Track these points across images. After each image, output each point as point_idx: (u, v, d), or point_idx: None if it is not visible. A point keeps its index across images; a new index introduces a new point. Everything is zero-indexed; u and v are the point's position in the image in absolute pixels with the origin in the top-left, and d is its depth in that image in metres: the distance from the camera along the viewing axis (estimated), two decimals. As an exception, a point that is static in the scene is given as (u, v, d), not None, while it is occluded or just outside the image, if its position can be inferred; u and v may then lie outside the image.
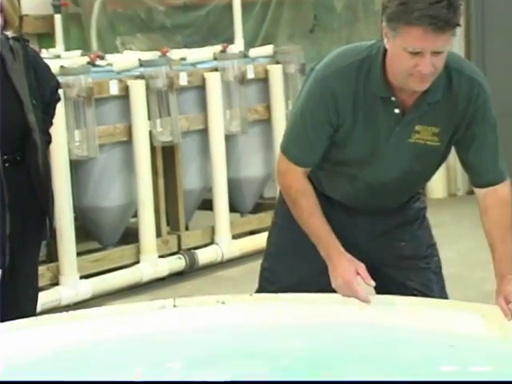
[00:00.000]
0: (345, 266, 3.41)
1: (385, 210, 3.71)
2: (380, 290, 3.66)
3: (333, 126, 3.41)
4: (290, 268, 3.76)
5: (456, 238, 7.98)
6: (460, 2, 3.14)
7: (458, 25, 3.15)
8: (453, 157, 9.78)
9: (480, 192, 3.56)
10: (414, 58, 3.15)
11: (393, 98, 3.34)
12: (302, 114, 3.49)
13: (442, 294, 3.89)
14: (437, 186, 9.39)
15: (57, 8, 9.68)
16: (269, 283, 3.84)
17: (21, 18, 8.96)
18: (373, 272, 3.68)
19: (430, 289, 3.80)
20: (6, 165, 4.17)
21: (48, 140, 4.52)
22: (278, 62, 7.86)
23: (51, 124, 4.56)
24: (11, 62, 4.21)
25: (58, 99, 4.68)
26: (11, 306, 4.23)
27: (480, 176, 3.52)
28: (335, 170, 3.62)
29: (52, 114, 4.57)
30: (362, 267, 3.43)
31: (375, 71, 3.33)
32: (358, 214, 3.68)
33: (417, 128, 3.41)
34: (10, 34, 4.36)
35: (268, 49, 8.01)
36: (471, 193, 9.95)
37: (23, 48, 4.30)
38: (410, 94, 3.34)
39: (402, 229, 3.77)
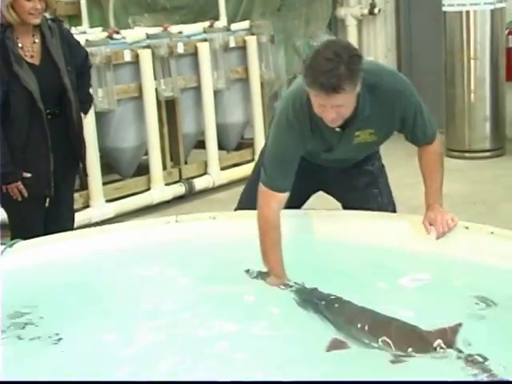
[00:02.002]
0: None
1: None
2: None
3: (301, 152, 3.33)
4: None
5: (390, 166, 7.95)
6: (355, 68, 2.98)
7: (355, 85, 3.01)
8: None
9: (418, 147, 3.53)
10: (321, 107, 3.06)
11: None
12: (277, 153, 3.30)
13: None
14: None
15: (82, -6, 9.58)
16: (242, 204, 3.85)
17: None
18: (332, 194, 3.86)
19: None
20: (49, 117, 4.15)
21: (90, 99, 4.57)
22: (253, 34, 7.80)
23: (90, 85, 4.56)
24: (50, 37, 4.18)
25: (90, 66, 4.64)
26: (56, 225, 4.23)
27: (416, 142, 3.50)
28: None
29: (89, 78, 4.56)
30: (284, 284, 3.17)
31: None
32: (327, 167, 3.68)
33: (356, 133, 3.34)
34: (48, 15, 4.32)
35: (245, 24, 7.94)
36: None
37: (58, 27, 4.28)
38: None
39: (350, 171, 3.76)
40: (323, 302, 2.99)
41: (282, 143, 3.29)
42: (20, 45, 4.08)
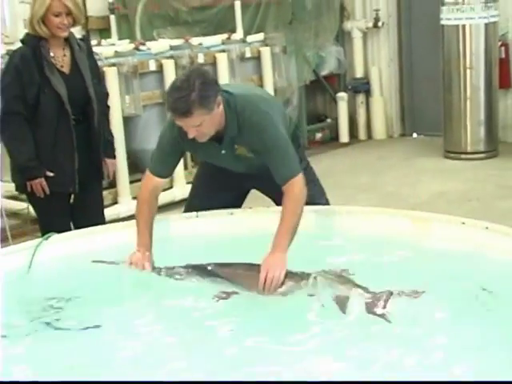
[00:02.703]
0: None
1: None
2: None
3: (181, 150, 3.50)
4: (207, 196, 3.82)
5: (392, 166, 7.98)
6: (206, 94, 3.10)
7: (208, 109, 3.12)
8: (389, 108, 9.67)
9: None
10: (184, 126, 3.19)
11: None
12: (160, 145, 3.48)
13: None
14: (379, 130, 9.35)
15: (112, 10, 9.59)
16: (192, 205, 3.90)
17: (87, 18, 8.93)
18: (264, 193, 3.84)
19: None
20: (73, 122, 4.16)
21: (113, 138, 4.52)
22: (267, 45, 7.82)
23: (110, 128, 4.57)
24: (78, 51, 4.20)
25: (109, 107, 4.56)
26: (83, 221, 4.21)
27: (276, 179, 3.32)
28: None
29: (109, 121, 4.57)
30: (148, 264, 3.28)
31: None
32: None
33: (236, 147, 3.41)
34: (77, 32, 4.35)
35: (260, 36, 7.95)
36: (403, 135, 9.94)
37: (86, 44, 4.32)
38: (216, 134, 3.31)
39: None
40: (211, 267, 3.18)
41: (165, 138, 3.45)
42: (52, 54, 4.11)
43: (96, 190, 4.50)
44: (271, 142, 3.30)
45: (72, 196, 4.34)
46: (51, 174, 4.14)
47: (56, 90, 4.06)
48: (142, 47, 6.96)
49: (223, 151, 3.42)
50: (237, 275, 3.12)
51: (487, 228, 3.29)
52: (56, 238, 3.57)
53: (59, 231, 3.67)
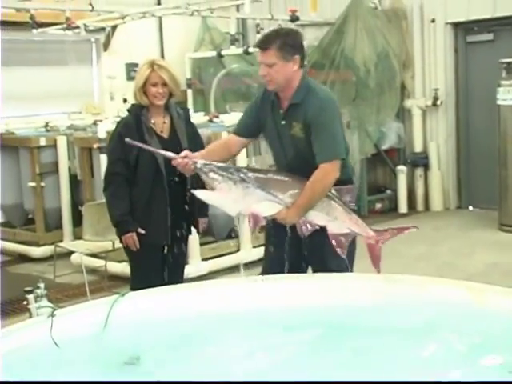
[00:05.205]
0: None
1: None
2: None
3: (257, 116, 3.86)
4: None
5: (448, 237, 7.89)
6: (288, 42, 3.57)
7: (282, 52, 3.57)
8: (446, 182, 9.55)
9: None
10: (260, 66, 3.65)
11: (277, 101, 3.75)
12: (244, 109, 3.99)
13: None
14: (436, 203, 9.28)
15: (189, 85, 9.84)
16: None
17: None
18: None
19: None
20: (172, 183, 4.34)
21: None
22: (331, 120, 7.84)
23: None
24: (176, 118, 4.44)
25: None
26: (175, 268, 4.49)
27: (316, 156, 3.64)
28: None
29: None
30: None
31: None
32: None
33: (293, 123, 3.69)
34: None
35: (325, 111, 8.00)
36: (459, 208, 9.79)
37: (185, 113, 4.54)
38: (284, 98, 3.71)
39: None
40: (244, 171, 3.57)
41: (249, 104, 3.96)
42: (153, 121, 4.37)
43: (185, 244, 4.62)
44: (325, 122, 3.61)
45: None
46: (143, 232, 4.30)
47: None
48: (215, 119, 7.09)
49: (283, 122, 3.68)
50: (267, 181, 3.55)
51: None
52: (131, 295, 3.60)
53: (152, 284, 3.71)
